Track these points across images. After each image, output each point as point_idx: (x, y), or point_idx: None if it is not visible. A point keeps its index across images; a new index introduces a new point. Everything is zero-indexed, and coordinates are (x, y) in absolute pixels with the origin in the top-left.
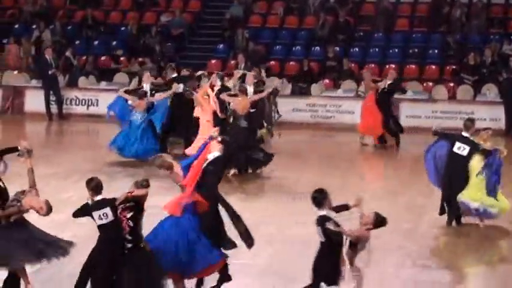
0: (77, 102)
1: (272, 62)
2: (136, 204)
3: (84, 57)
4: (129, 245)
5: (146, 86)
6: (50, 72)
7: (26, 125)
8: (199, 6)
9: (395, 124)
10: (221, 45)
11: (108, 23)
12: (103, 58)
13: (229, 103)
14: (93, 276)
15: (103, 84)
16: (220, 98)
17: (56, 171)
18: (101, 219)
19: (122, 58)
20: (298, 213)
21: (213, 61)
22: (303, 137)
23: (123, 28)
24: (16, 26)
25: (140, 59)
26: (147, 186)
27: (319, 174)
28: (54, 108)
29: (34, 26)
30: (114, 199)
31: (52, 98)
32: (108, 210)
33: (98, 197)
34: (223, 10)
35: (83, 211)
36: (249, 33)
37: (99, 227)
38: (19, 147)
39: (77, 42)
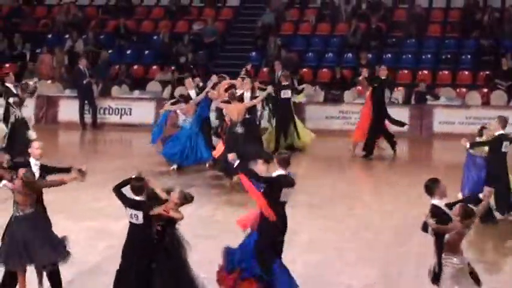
0: (111, 112)
1: (304, 70)
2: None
3: (117, 67)
4: (157, 246)
5: (191, 92)
6: (84, 82)
7: (59, 134)
8: (232, 15)
9: (393, 123)
10: (253, 53)
11: (141, 32)
12: (135, 67)
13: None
14: (118, 269)
15: (136, 93)
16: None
17: (90, 180)
18: (132, 218)
19: (154, 67)
20: (334, 220)
21: (249, 66)
22: (336, 144)
23: (155, 37)
24: (49, 36)
25: (173, 68)
26: (190, 201)
27: (353, 181)
28: (88, 118)
29: (67, 36)
30: (150, 208)
31: (86, 107)
32: (140, 214)
33: (138, 198)
34: (256, 18)
35: (122, 197)
36: (281, 41)
37: (130, 222)
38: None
39: (110, 51)
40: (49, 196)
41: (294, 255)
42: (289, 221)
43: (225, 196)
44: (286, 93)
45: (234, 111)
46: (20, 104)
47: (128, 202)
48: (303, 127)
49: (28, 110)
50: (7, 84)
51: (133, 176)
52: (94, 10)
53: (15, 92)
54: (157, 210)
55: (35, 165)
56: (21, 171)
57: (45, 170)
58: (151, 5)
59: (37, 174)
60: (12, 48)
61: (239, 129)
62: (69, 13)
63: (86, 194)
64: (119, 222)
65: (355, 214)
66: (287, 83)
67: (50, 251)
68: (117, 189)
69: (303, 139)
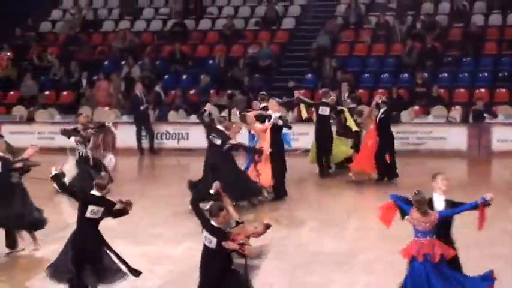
0: (168, 137)
1: (360, 90)
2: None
3: (173, 92)
4: (230, 267)
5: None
6: (141, 108)
7: (117, 160)
8: (286, 37)
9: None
10: (309, 75)
11: (196, 56)
12: (192, 92)
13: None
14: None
15: (193, 118)
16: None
17: (148, 205)
18: (206, 240)
19: (210, 91)
20: (395, 241)
21: (301, 91)
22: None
23: (211, 61)
24: (106, 62)
25: (229, 92)
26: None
27: None
28: (145, 143)
29: (123, 62)
30: (225, 235)
31: (143, 132)
32: (214, 240)
33: (214, 222)
34: (310, 40)
35: (201, 217)
36: (337, 62)
37: (204, 245)
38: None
39: (166, 76)
40: (109, 222)
41: (354, 277)
42: (352, 243)
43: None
44: (324, 110)
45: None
46: (83, 142)
47: (204, 223)
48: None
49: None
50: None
51: (212, 192)
52: (150, 36)
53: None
54: (232, 246)
55: None
56: None
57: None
58: (206, 30)
59: None
60: (69, 75)
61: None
62: (125, 39)
63: (144, 219)
64: (177, 247)
65: None
66: (326, 101)
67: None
68: (195, 206)
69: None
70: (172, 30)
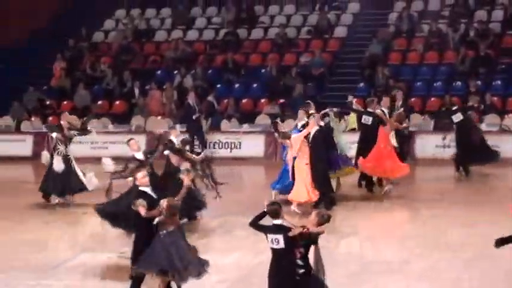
0: (220, 146)
1: (413, 99)
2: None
3: (225, 101)
4: (301, 271)
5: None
6: (194, 117)
7: None
8: (339, 46)
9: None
10: (361, 84)
11: (249, 65)
12: (244, 101)
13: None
14: None
15: (245, 127)
16: None
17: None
18: (273, 243)
19: (262, 100)
20: (449, 248)
21: (354, 100)
22: (447, 173)
23: (263, 70)
24: (158, 72)
25: (281, 101)
26: (328, 220)
27: (468, 208)
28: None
29: (176, 72)
30: (290, 229)
31: (196, 142)
32: (281, 237)
33: (277, 221)
34: (363, 48)
35: (260, 228)
36: (389, 71)
37: (271, 249)
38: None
39: (218, 85)
40: None
41: (407, 285)
42: (403, 251)
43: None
44: (366, 120)
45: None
46: (64, 141)
47: (267, 229)
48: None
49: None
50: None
51: (267, 203)
52: (202, 45)
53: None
54: (296, 230)
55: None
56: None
57: None
58: (259, 39)
59: None
60: (122, 85)
61: None
62: (178, 49)
63: (195, 229)
64: (228, 256)
65: (471, 243)
66: (370, 110)
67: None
68: (254, 224)
69: None
70: (225, 40)
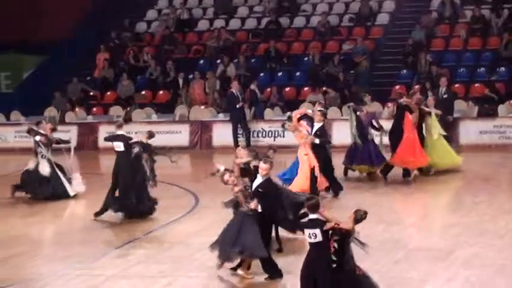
0: (264, 134)
1: (456, 85)
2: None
3: (268, 89)
4: (334, 265)
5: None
6: (237, 106)
7: (214, 158)
8: (381, 33)
9: None
10: (404, 71)
11: (291, 54)
12: (287, 89)
13: None
14: None
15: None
16: None
17: None
18: (310, 237)
19: (305, 88)
20: (493, 236)
21: (397, 87)
22: (492, 159)
23: (305, 58)
24: (201, 61)
25: (324, 88)
26: (363, 218)
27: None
28: (241, 141)
29: (218, 61)
30: (324, 222)
31: (239, 130)
32: (318, 231)
33: (312, 216)
34: (405, 36)
35: (301, 226)
36: (432, 57)
37: (309, 244)
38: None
39: (261, 74)
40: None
41: (453, 273)
42: (447, 238)
43: None
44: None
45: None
46: (47, 144)
47: (305, 225)
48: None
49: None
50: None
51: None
52: (244, 34)
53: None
54: (329, 224)
55: None
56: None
57: None
58: (301, 27)
59: None
60: (165, 75)
61: None
62: (220, 38)
63: None
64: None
65: None
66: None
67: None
68: (296, 224)
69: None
70: (267, 28)
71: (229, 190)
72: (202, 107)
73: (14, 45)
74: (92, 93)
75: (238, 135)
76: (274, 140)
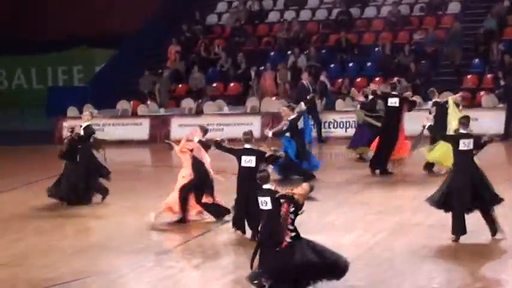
0: (335, 125)
1: None
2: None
3: (339, 80)
4: (292, 234)
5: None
6: (308, 97)
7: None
8: (452, 22)
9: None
10: (476, 60)
11: (362, 44)
12: (358, 80)
13: None
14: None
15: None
16: None
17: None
18: (262, 204)
19: (377, 79)
20: None
21: (469, 77)
22: None
23: (376, 49)
24: (272, 53)
25: (396, 79)
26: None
27: None
28: (313, 132)
29: (289, 52)
30: (276, 192)
31: (311, 121)
32: (268, 199)
33: (265, 186)
34: (477, 24)
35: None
36: (504, 46)
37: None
38: None
39: (332, 65)
40: None
41: None
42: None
43: None
44: (392, 102)
45: None
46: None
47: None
48: None
49: None
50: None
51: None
52: (315, 25)
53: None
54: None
55: None
56: None
57: None
58: (372, 17)
59: None
60: (236, 67)
61: None
62: (291, 30)
63: (315, 209)
64: (349, 235)
65: None
66: (394, 92)
67: None
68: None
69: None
70: (338, 19)
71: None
72: (274, 98)
73: (86, 40)
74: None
75: (310, 126)
76: (346, 131)
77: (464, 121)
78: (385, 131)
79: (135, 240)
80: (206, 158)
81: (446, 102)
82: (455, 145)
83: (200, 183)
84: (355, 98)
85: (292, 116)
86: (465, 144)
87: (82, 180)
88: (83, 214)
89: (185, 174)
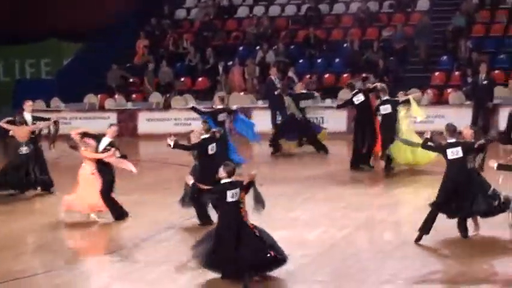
0: None
1: (496, 72)
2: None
3: (307, 76)
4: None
5: None
6: (275, 93)
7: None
8: (422, 16)
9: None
10: (444, 57)
11: (330, 40)
12: (326, 76)
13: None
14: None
15: (328, 102)
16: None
17: (284, 190)
18: (233, 197)
19: (345, 75)
20: None
21: (436, 74)
22: None
23: (345, 45)
24: (240, 48)
25: (364, 75)
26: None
27: None
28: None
29: (258, 48)
30: (241, 182)
31: (278, 117)
32: (238, 190)
33: (230, 179)
34: (446, 21)
35: (222, 188)
36: (472, 43)
37: (227, 203)
38: None
39: (300, 61)
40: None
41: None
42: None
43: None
44: (359, 99)
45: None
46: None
47: (227, 187)
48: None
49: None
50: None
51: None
52: (284, 21)
53: None
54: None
55: None
56: None
57: None
58: (341, 13)
59: None
60: (204, 62)
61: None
62: (260, 25)
63: (280, 204)
64: (314, 231)
65: None
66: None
67: None
68: (219, 188)
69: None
70: (307, 15)
71: None
72: (242, 93)
73: (55, 33)
74: (131, 80)
75: (277, 122)
76: None
77: (450, 128)
78: (359, 128)
79: (98, 235)
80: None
81: (398, 101)
82: (444, 155)
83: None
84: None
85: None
86: (454, 153)
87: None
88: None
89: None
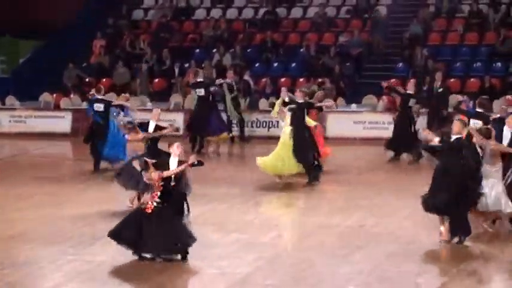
0: (258, 125)
1: (452, 80)
2: None
3: (263, 80)
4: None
5: None
6: (231, 96)
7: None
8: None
9: None
10: (400, 64)
11: (287, 44)
12: (282, 80)
13: None
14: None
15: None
16: None
17: (237, 193)
18: None
19: (301, 79)
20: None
21: (392, 80)
22: None
23: (301, 49)
24: (197, 50)
25: (320, 80)
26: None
27: None
28: (236, 131)
29: (214, 50)
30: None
31: (234, 121)
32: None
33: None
34: (402, 29)
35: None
36: (428, 51)
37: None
38: None
39: (257, 64)
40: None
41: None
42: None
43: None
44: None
45: None
46: None
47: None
48: None
49: None
50: None
51: None
52: (241, 24)
53: None
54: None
55: None
56: None
57: None
58: (298, 18)
59: None
60: (161, 63)
61: None
62: (217, 27)
63: (235, 207)
64: (267, 234)
65: None
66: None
67: None
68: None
69: None
70: (264, 19)
71: None
72: None
73: (10, 30)
74: (87, 80)
75: (233, 125)
76: (268, 130)
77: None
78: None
79: (55, 232)
80: None
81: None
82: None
83: None
84: None
85: None
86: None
87: None
88: (2, 205)
89: None
